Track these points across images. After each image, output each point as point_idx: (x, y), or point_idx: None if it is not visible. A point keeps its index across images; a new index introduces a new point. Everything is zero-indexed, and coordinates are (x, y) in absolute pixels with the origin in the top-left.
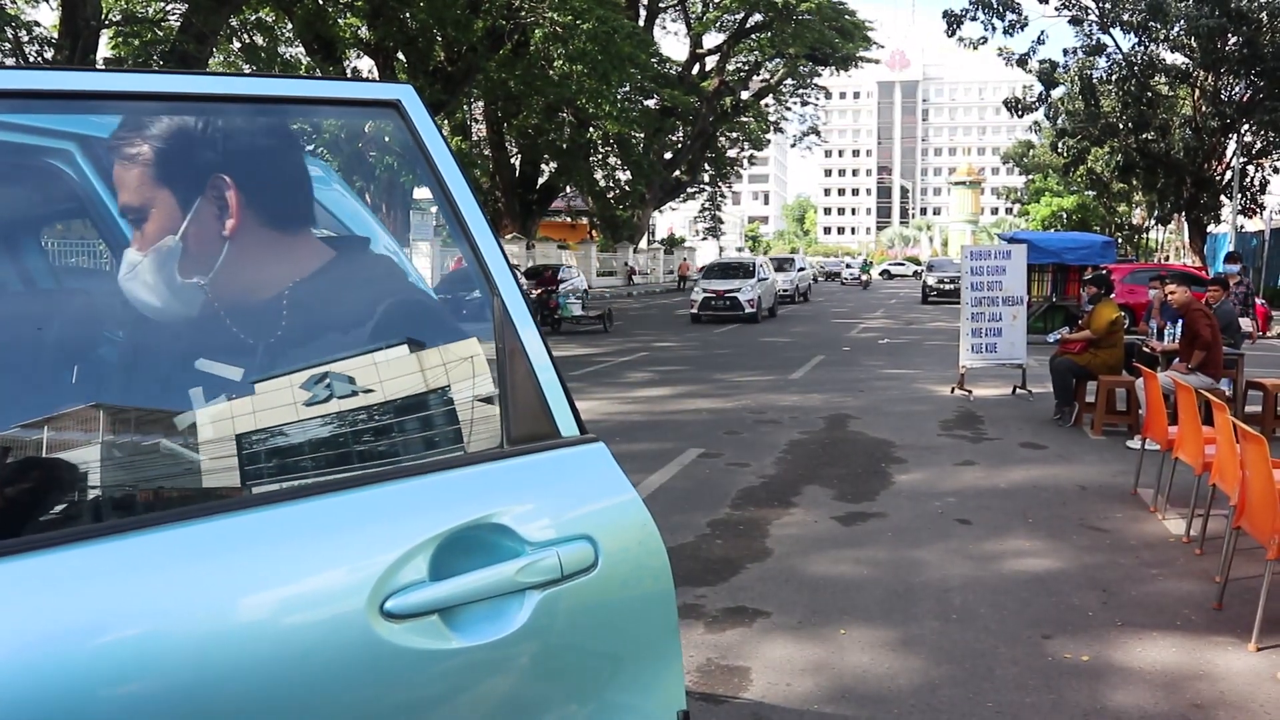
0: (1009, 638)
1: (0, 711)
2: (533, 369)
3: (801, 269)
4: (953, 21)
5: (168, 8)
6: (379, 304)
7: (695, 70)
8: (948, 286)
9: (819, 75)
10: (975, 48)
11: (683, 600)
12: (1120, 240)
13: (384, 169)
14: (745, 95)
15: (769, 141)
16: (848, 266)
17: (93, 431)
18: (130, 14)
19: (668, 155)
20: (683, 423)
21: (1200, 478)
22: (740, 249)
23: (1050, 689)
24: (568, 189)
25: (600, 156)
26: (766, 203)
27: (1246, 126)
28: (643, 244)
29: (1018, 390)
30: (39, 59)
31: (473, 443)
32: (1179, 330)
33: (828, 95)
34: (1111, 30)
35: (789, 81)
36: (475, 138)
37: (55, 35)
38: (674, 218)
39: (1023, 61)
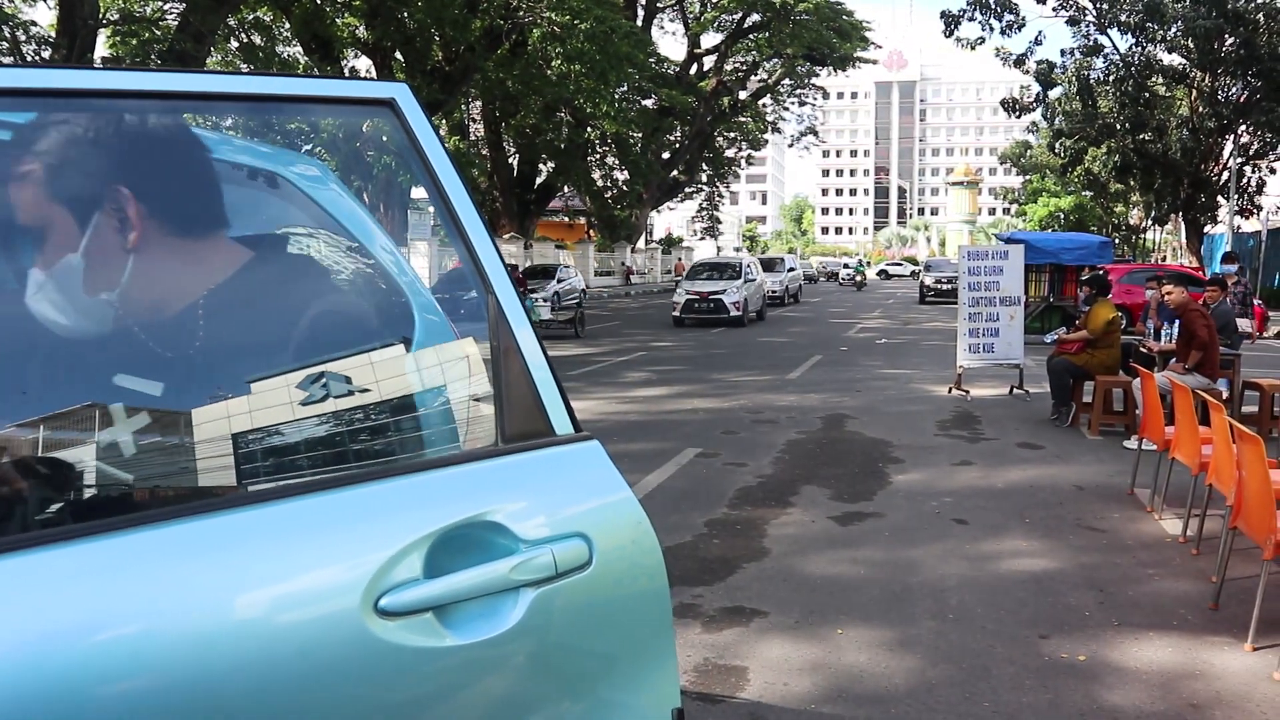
0: (1006, 637)
1: None
2: (527, 367)
3: (791, 269)
4: (950, 22)
5: (165, 7)
6: (302, 307)
7: (693, 70)
8: (945, 286)
9: (817, 75)
10: (973, 48)
11: (680, 600)
12: (1117, 240)
13: (381, 168)
14: (743, 95)
15: (767, 142)
16: (845, 266)
17: (86, 430)
18: (128, 13)
19: (665, 155)
20: (680, 422)
21: (1197, 478)
22: (738, 249)
23: (1047, 689)
24: (565, 189)
25: (598, 156)
26: (764, 203)
27: (1243, 127)
28: (640, 244)
29: (1015, 390)
30: (36, 58)
31: (467, 441)
32: (1176, 330)
33: (825, 95)
34: (1109, 31)
35: (787, 81)
36: (473, 137)
37: (53, 34)
38: (672, 218)
39: (1020, 62)
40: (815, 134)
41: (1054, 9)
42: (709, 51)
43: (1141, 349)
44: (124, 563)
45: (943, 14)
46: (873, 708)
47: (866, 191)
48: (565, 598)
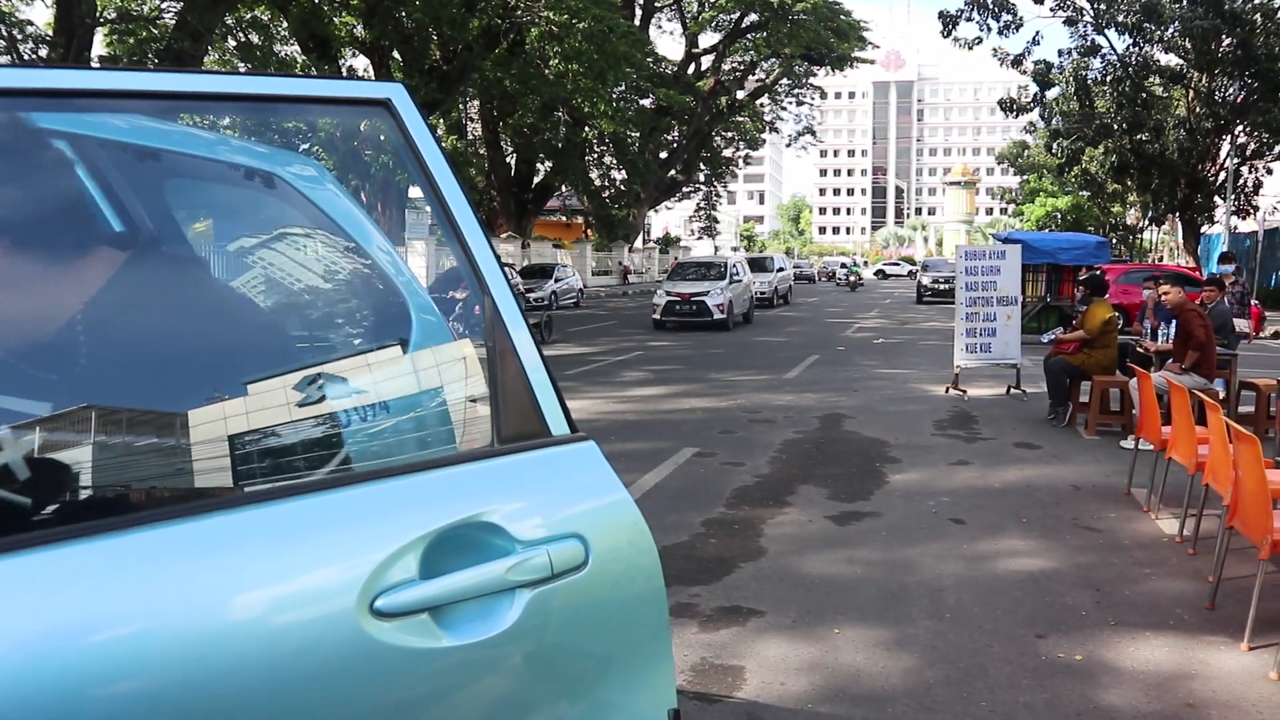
0: (1002, 637)
1: None
2: (523, 368)
3: (781, 269)
4: (948, 22)
5: (163, 5)
6: (187, 310)
7: (691, 70)
8: (942, 286)
9: (814, 75)
10: (970, 48)
11: (677, 599)
12: (1114, 240)
13: (379, 167)
14: (741, 95)
15: (764, 141)
16: (842, 266)
17: (84, 432)
18: (125, 12)
19: (663, 155)
20: (677, 422)
21: (1193, 478)
22: (735, 248)
23: (1043, 688)
24: (563, 188)
25: (595, 156)
26: (762, 202)
27: (1240, 128)
28: (638, 243)
29: (1012, 390)
30: (33, 57)
31: (463, 442)
32: (1173, 330)
33: (823, 95)
34: (1106, 31)
35: (784, 81)
36: (471, 136)
37: (50, 33)
38: (669, 217)
39: (1018, 62)
40: (813, 134)
41: (1051, 9)
42: (707, 51)
43: (1138, 349)
44: (121, 564)
45: (940, 14)
46: (870, 707)
47: (864, 191)
48: (561, 598)
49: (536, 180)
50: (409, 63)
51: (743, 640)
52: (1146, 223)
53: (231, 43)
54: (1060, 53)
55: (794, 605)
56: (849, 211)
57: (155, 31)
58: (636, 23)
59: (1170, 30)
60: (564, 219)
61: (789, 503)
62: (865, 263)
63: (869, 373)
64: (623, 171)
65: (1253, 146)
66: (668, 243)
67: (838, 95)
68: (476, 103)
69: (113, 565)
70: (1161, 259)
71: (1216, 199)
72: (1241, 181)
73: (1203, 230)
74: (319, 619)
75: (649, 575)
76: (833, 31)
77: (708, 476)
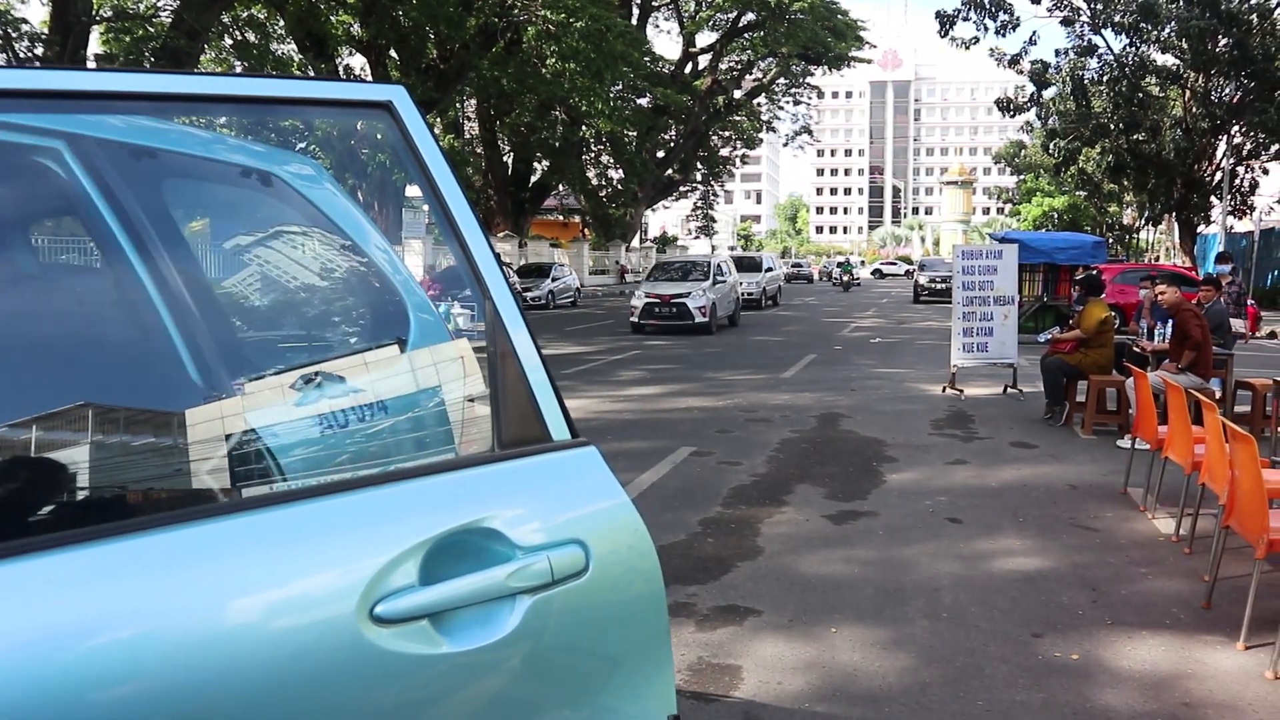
0: (999, 636)
1: None
2: (524, 372)
3: (770, 270)
4: (945, 22)
5: (159, 4)
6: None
7: (688, 69)
8: (939, 286)
9: (811, 75)
10: (967, 48)
11: (674, 598)
12: (1111, 240)
13: (376, 166)
14: (738, 94)
15: (761, 141)
16: (839, 266)
17: (81, 433)
18: (121, 10)
19: (660, 154)
20: (674, 421)
21: (1190, 477)
22: (732, 248)
23: (1040, 688)
24: (560, 187)
25: (593, 155)
26: (759, 202)
27: (1236, 128)
28: (635, 242)
29: (1009, 389)
30: (29, 55)
31: (462, 442)
32: (1169, 330)
33: (820, 95)
34: (1103, 31)
35: (781, 81)
36: (468, 135)
37: (45, 31)
38: (666, 216)
39: (1014, 62)
40: (810, 133)
41: (1048, 9)
42: (704, 50)
43: (1135, 348)
44: (120, 569)
45: (938, 14)
46: (866, 707)
47: (861, 191)
48: (562, 604)
49: (534, 179)
50: (406, 61)
51: (740, 639)
52: (1143, 222)
53: (228, 41)
54: (1057, 52)
55: (791, 604)
56: (846, 211)
57: (151, 30)
58: (634, 22)
59: (1167, 30)
60: (561, 218)
61: (786, 502)
62: (862, 262)
63: (866, 372)
64: (620, 171)
65: (1249, 146)
66: (665, 242)
67: (835, 95)
68: (474, 101)
69: (114, 570)
70: (1158, 259)
71: (1213, 199)
72: (1237, 181)
73: (1199, 230)
74: (319, 625)
75: (649, 581)
76: (830, 31)
77: (705, 476)
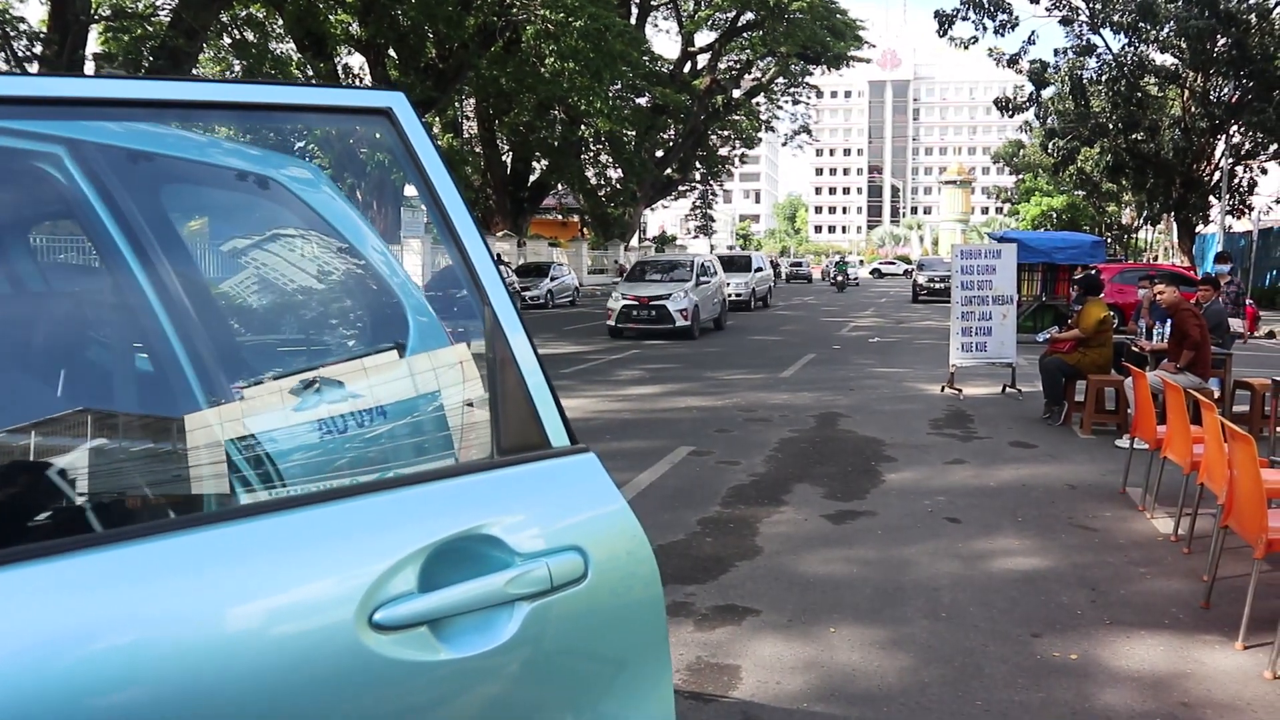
0: (998, 636)
1: None
2: (523, 378)
3: (760, 269)
4: (944, 21)
5: (157, 3)
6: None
7: (687, 68)
8: (938, 285)
9: (810, 74)
10: (966, 47)
11: (672, 598)
12: (1109, 240)
13: (374, 166)
14: (737, 94)
15: (760, 140)
16: (835, 265)
17: (80, 438)
18: (120, 9)
19: (659, 153)
20: (673, 421)
21: (1188, 477)
22: (731, 247)
23: (1039, 687)
24: (559, 186)
25: (592, 154)
26: (758, 201)
27: (1235, 127)
28: (634, 242)
29: (1007, 389)
30: (28, 54)
31: (461, 447)
32: (1168, 330)
33: (819, 94)
34: (1102, 31)
35: (780, 80)
36: (467, 135)
37: (44, 31)
38: (665, 216)
39: (1013, 61)
40: (809, 133)
41: (1047, 9)
42: (703, 50)
43: (1134, 348)
44: (119, 576)
45: (936, 13)
46: (865, 707)
47: (860, 190)
48: (561, 611)
49: (532, 179)
50: (405, 61)
51: (738, 639)
52: (1141, 222)
53: (226, 40)
54: (1056, 52)
55: (790, 604)
56: (845, 210)
57: (150, 29)
58: (632, 21)
59: (1166, 30)
60: (560, 217)
61: (785, 501)
62: (861, 261)
63: (865, 372)
64: (619, 170)
65: (1247, 146)
66: (664, 241)
67: (834, 94)
68: (472, 101)
69: (110, 577)
70: (1156, 258)
71: (1211, 199)
72: (1236, 181)
73: (1197, 230)
74: (318, 632)
75: (648, 587)
76: (829, 30)
77: (703, 475)
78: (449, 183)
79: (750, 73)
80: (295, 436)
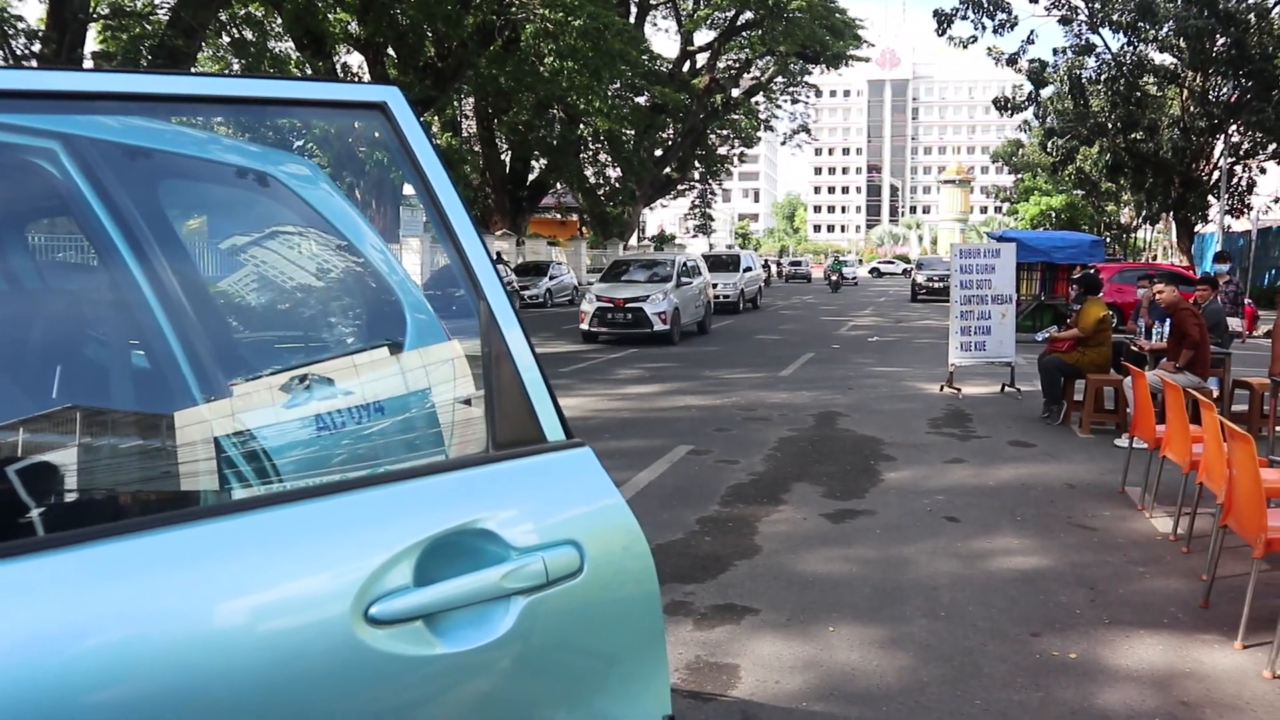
0: (997, 635)
1: None
2: (519, 373)
3: (749, 269)
4: (943, 20)
5: (156, 1)
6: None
7: (686, 67)
8: (937, 285)
9: (809, 73)
10: (965, 47)
11: (671, 597)
12: (1108, 239)
13: (373, 164)
14: (736, 93)
15: (759, 139)
16: (830, 264)
17: (73, 434)
18: (118, 7)
19: (658, 152)
20: (672, 420)
21: (1187, 476)
22: (730, 246)
23: (1038, 687)
24: (558, 185)
25: (591, 153)
26: (757, 200)
27: (1234, 127)
28: (633, 241)
29: (1006, 388)
30: (26, 52)
31: (455, 444)
32: (1167, 329)
33: (818, 93)
34: (1101, 30)
35: (779, 79)
36: (465, 134)
37: (42, 29)
38: (664, 215)
39: (1012, 61)
40: (808, 132)
41: (1046, 8)
42: (702, 49)
43: (1133, 347)
44: (114, 570)
45: (935, 13)
46: (864, 706)
47: (859, 189)
48: (556, 605)
49: (531, 178)
50: (404, 60)
51: (737, 638)
52: (1140, 222)
53: (225, 39)
54: (1055, 51)
55: (789, 603)
56: (844, 210)
57: (148, 27)
58: (631, 20)
59: (1165, 30)
60: (559, 216)
61: (784, 500)
62: (860, 260)
63: (864, 371)
64: (618, 169)
65: (1246, 146)
66: (663, 240)
67: (833, 94)
68: (471, 100)
69: (106, 572)
70: (1155, 258)
71: (1210, 198)
72: (1235, 181)
73: (1196, 229)
74: (314, 626)
75: (644, 581)
76: (828, 30)
77: (702, 474)
78: (444, 177)
79: (749, 72)
80: (291, 432)
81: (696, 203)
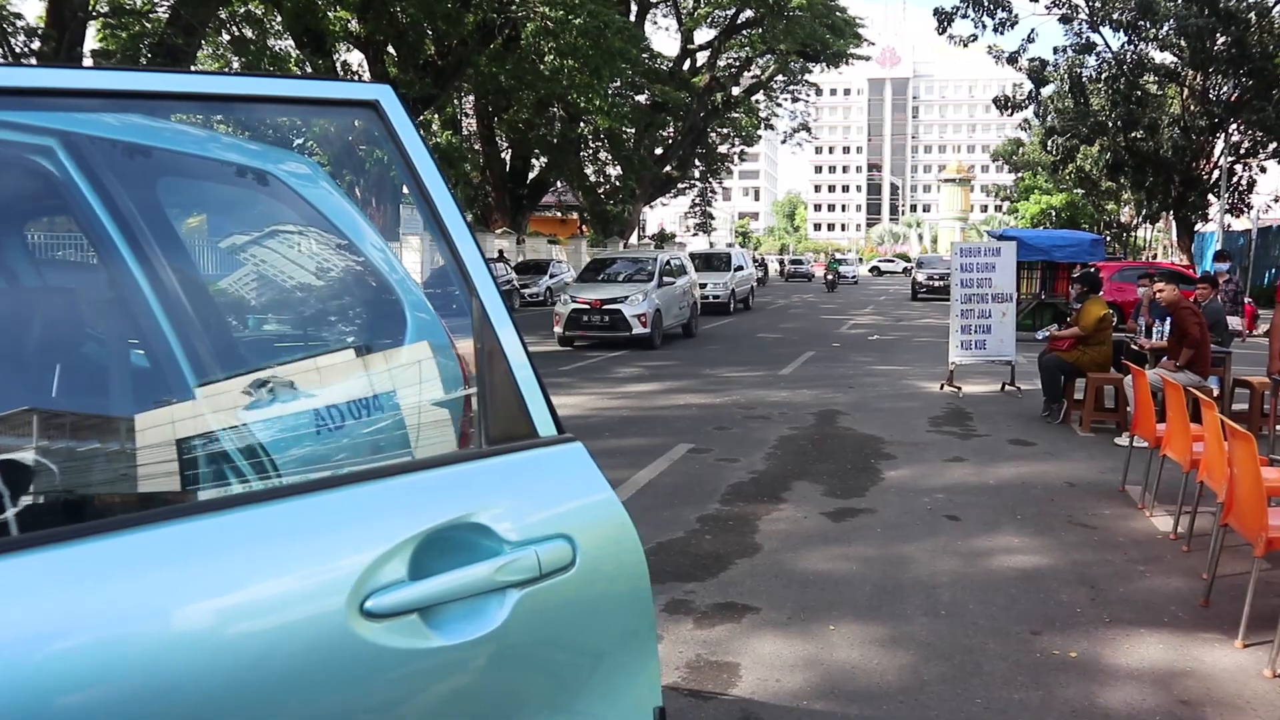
0: (997, 634)
1: None
2: (511, 369)
3: (740, 268)
4: (943, 19)
5: None
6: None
7: (686, 66)
8: (937, 283)
9: (810, 72)
10: (965, 45)
11: (671, 595)
12: (1109, 238)
13: (373, 163)
14: (736, 91)
15: (760, 138)
16: (828, 263)
17: (68, 430)
18: (118, 6)
19: (658, 151)
20: (672, 418)
21: (1188, 475)
22: (730, 244)
23: (1038, 685)
24: (558, 184)
25: (591, 152)
26: (757, 199)
27: (1234, 126)
28: (633, 239)
29: (1006, 387)
30: (25, 50)
31: (448, 444)
32: (1167, 328)
33: (818, 92)
34: (1101, 29)
35: (780, 78)
36: (465, 132)
37: (42, 27)
38: (665, 213)
39: (1013, 59)
40: (808, 130)
41: (1046, 7)
42: (702, 47)
43: (1133, 346)
44: (109, 567)
45: (936, 11)
46: (865, 704)
47: (859, 188)
48: (549, 598)
49: (531, 176)
50: (404, 58)
51: (738, 637)
52: (1141, 220)
53: (225, 37)
54: (1055, 50)
55: (789, 602)
56: (844, 208)
57: (148, 26)
58: (632, 19)
59: (1165, 28)
60: (559, 215)
61: (784, 499)
62: (860, 259)
63: (864, 369)
64: (618, 168)
65: (1246, 145)
66: (663, 239)
67: (833, 92)
68: (471, 98)
69: (101, 568)
70: (1155, 257)
71: (1210, 197)
72: (1235, 180)
73: (1197, 228)
74: (311, 620)
75: (635, 573)
76: (828, 28)
77: (703, 473)
78: (436, 175)
79: (750, 70)
80: (288, 428)
81: (697, 201)
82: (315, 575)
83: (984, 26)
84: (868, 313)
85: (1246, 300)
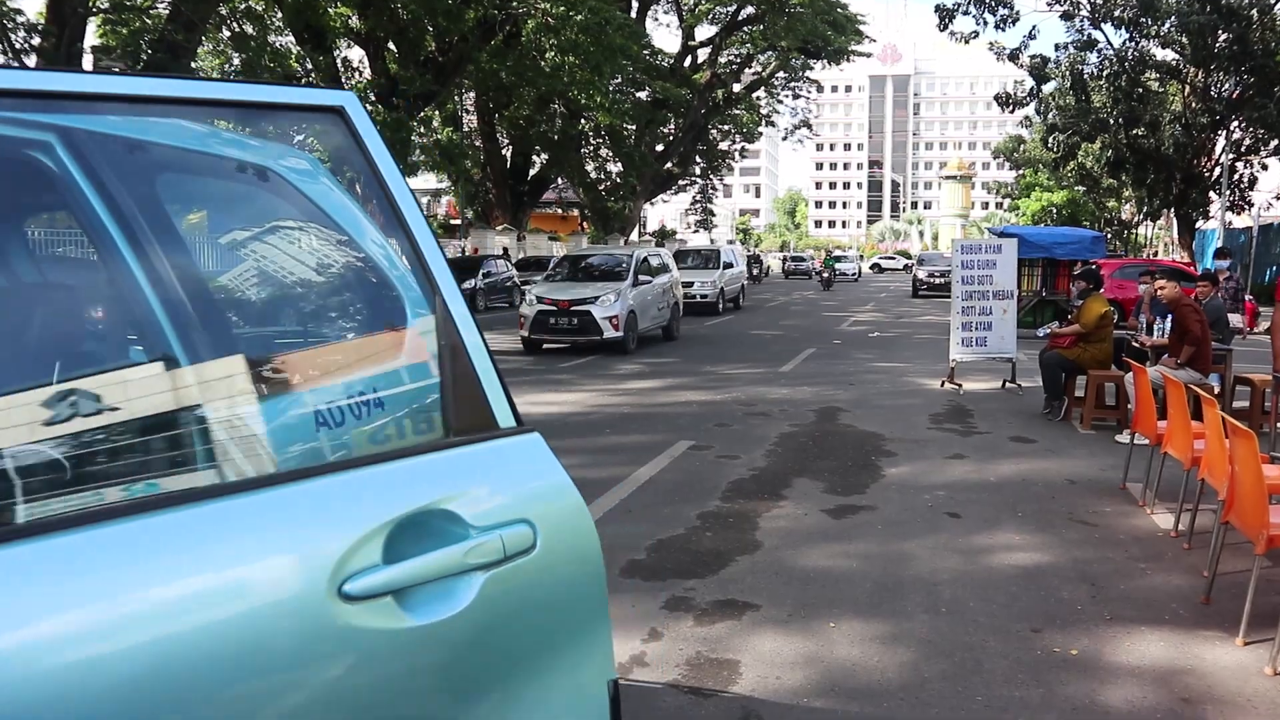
0: (998, 631)
1: None
2: (472, 364)
3: (729, 266)
4: (945, 16)
5: None
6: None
7: (687, 62)
8: (938, 280)
9: (811, 68)
10: (967, 42)
11: (672, 592)
12: (1110, 235)
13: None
14: (737, 88)
15: (760, 134)
16: (825, 260)
17: (65, 420)
18: (118, 2)
19: (659, 147)
20: (673, 415)
21: (1189, 472)
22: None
23: (1039, 683)
24: (559, 180)
25: (592, 148)
26: (758, 195)
27: (1236, 123)
28: (634, 236)
29: (1007, 384)
30: (25, 46)
31: (417, 435)
32: (1168, 325)
33: (819, 89)
34: (1103, 26)
35: (781, 74)
36: (466, 128)
37: (42, 23)
38: (665, 210)
39: (1014, 56)
40: (809, 127)
41: (1048, 4)
42: (703, 44)
43: (1134, 343)
44: (103, 556)
45: (937, 8)
46: (865, 702)
47: (860, 185)
48: (513, 579)
49: (532, 173)
50: (404, 54)
51: (738, 634)
52: (1142, 218)
53: (225, 33)
54: (1057, 47)
55: (789, 599)
56: (845, 205)
57: (148, 22)
58: (633, 15)
59: (1167, 25)
60: (560, 211)
61: (784, 496)
62: (861, 255)
63: (865, 366)
64: (619, 164)
65: (1248, 142)
66: (664, 235)
67: (834, 89)
68: (472, 94)
69: (86, 555)
70: (1156, 254)
71: (1211, 194)
72: (1236, 177)
73: (1198, 225)
74: (292, 602)
75: (590, 555)
76: (829, 25)
77: (703, 470)
78: (399, 178)
79: (750, 67)
80: (273, 417)
81: (698, 198)
82: (294, 560)
83: (985, 23)
84: (868, 310)
85: (1247, 297)
